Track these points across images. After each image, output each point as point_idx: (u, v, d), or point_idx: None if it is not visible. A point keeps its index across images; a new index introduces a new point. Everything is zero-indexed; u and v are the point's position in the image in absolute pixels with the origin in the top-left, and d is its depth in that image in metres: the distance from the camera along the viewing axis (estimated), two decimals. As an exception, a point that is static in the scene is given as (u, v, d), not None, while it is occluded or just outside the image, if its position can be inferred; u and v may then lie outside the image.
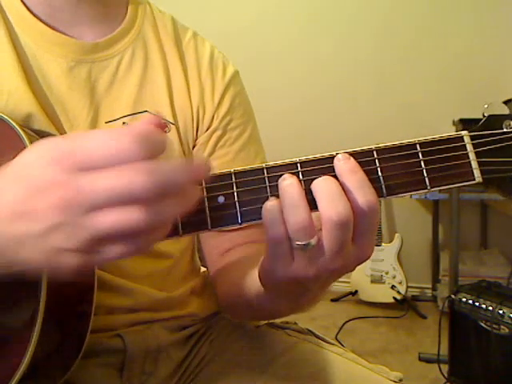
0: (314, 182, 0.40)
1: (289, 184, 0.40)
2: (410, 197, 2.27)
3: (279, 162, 0.42)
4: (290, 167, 0.42)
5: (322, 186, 0.40)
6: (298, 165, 0.42)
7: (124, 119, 0.60)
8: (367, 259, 0.43)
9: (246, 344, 0.64)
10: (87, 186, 0.31)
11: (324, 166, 0.42)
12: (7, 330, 0.44)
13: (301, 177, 0.42)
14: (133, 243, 0.33)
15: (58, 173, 0.32)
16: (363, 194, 0.39)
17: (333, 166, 0.41)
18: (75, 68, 0.58)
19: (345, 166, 0.41)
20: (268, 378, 0.58)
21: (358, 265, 0.43)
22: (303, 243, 0.39)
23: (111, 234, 0.32)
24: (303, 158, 0.42)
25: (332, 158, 0.42)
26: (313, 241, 0.39)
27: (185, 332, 0.66)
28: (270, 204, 0.39)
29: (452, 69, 2.53)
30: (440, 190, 2.10)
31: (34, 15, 0.58)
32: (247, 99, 0.71)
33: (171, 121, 0.62)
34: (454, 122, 2.17)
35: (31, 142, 0.46)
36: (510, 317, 1.47)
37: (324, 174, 0.41)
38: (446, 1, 2.55)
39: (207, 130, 0.65)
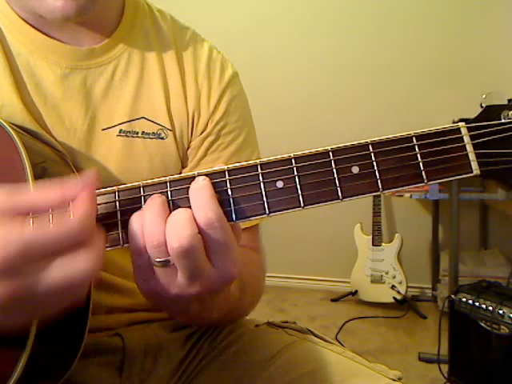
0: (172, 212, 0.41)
1: (151, 203, 0.41)
2: (410, 197, 2.26)
3: (274, 158, 0.43)
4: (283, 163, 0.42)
5: (170, 218, 0.40)
6: (293, 160, 0.42)
7: (121, 126, 0.59)
8: (233, 279, 0.43)
9: (246, 343, 0.64)
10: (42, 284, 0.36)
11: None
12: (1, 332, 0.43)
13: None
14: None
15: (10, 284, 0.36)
16: (204, 213, 0.40)
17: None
18: (70, 75, 0.57)
19: (193, 185, 0.41)
20: (267, 376, 0.58)
21: (226, 285, 0.44)
22: (160, 260, 0.40)
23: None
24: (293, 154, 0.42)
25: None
26: (168, 259, 0.40)
27: (184, 331, 0.66)
28: (136, 215, 0.41)
29: (452, 69, 2.53)
30: (440, 190, 2.10)
31: (26, 22, 0.57)
32: (245, 102, 0.70)
33: (168, 127, 0.62)
34: (453, 122, 2.17)
35: (21, 141, 0.46)
36: (509, 317, 1.46)
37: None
38: (445, 1, 2.55)
39: (201, 134, 0.64)
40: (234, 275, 0.43)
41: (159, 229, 0.40)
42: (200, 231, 0.40)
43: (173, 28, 0.66)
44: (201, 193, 0.41)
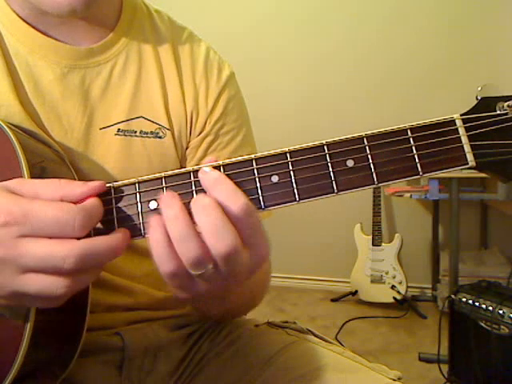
0: (194, 212, 0.38)
1: (172, 217, 0.38)
2: (410, 197, 2.26)
3: (269, 153, 0.42)
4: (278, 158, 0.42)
5: (204, 220, 0.38)
6: (288, 154, 0.42)
7: (118, 125, 0.59)
8: (265, 259, 0.41)
9: (246, 343, 0.64)
10: (24, 251, 0.37)
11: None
12: None
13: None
14: (51, 300, 0.40)
15: (3, 235, 0.37)
16: (234, 202, 0.38)
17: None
18: (69, 74, 0.57)
19: (209, 178, 0.40)
20: (267, 376, 0.58)
21: (260, 266, 0.42)
22: (200, 272, 0.39)
23: (32, 295, 0.39)
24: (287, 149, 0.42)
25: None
26: (210, 266, 0.39)
27: (184, 330, 0.66)
28: (156, 239, 0.38)
29: (452, 68, 2.53)
30: (440, 190, 2.10)
31: (25, 21, 0.56)
32: (242, 102, 0.70)
33: (166, 126, 0.62)
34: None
35: (19, 140, 0.46)
36: (510, 317, 1.46)
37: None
38: (446, 1, 2.55)
39: (199, 134, 0.64)
40: (266, 255, 0.41)
41: (195, 244, 0.38)
42: (233, 220, 0.38)
43: (170, 28, 0.66)
44: (224, 184, 0.40)
